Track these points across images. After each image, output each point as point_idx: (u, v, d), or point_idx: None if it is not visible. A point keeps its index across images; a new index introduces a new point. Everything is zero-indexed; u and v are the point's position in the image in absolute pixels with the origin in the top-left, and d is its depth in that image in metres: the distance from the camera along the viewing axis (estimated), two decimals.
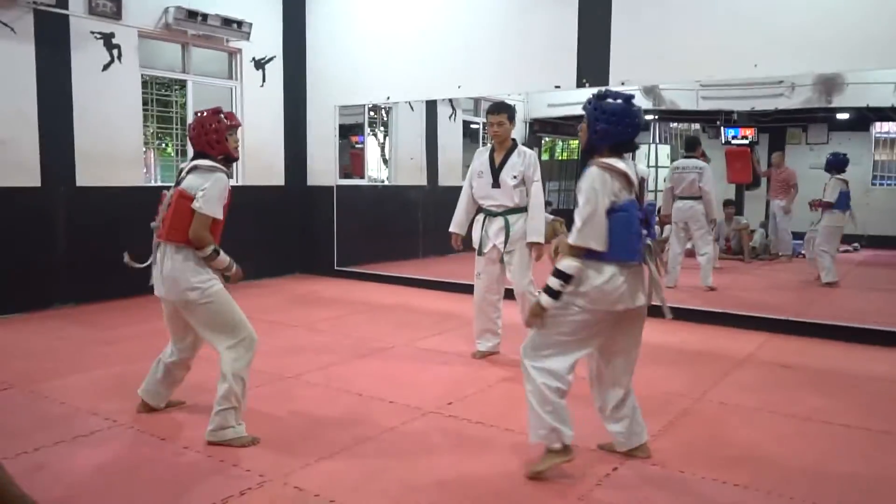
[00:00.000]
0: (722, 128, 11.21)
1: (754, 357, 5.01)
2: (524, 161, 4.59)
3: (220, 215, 3.29)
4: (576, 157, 13.33)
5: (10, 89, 5.94)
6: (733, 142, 11.05)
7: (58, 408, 3.76)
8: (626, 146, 2.90)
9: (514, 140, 4.70)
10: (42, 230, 6.20)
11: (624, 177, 2.78)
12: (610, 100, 2.86)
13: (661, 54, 5.94)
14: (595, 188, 2.74)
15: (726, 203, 10.27)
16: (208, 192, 3.22)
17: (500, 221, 4.64)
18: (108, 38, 6.56)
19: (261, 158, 8.16)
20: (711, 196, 7.30)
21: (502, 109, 4.65)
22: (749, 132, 11.07)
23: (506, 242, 4.64)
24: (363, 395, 4.02)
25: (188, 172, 3.34)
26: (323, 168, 8.50)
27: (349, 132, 9.82)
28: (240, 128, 3.47)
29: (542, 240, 4.54)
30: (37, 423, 3.53)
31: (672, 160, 12.02)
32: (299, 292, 7.48)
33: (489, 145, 4.78)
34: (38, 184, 6.14)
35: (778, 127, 11.26)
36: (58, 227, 6.28)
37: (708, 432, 3.51)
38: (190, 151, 3.65)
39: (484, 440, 3.40)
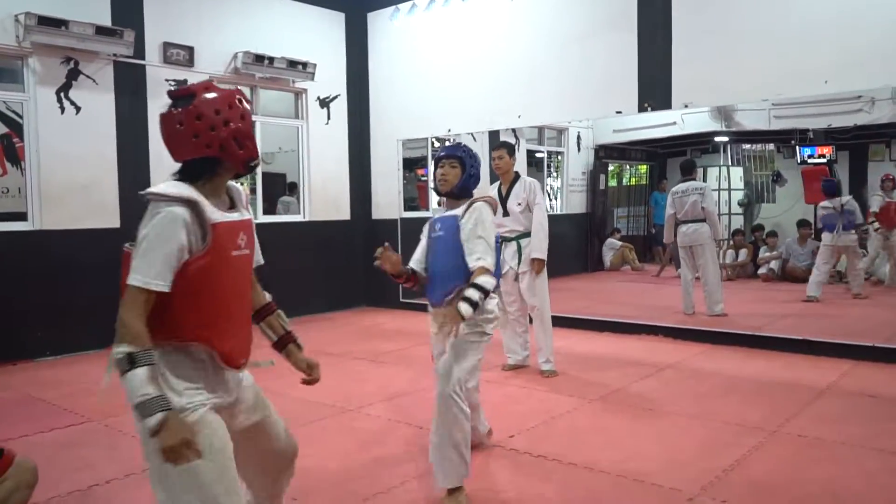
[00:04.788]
0: (797, 147, 10.80)
1: (837, 386, 4.73)
2: (525, 188, 5.04)
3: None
4: (644, 182, 13.10)
5: (93, 136, 6.29)
6: (810, 161, 10.62)
7: (130, 441, 3.87)
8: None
9: (516, 172, 5.15)
10: (120, 269, 6.46)
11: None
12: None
13: (725, 74, 5.79)
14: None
15: (801, 224, 9.87)
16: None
17: (513, 245, 5.05)
18: (181, 85, 6.88)
19: (327, 193, 8.35)
20: (715, 216, 7.16)
21: (500, 146, 5.19)
22: (826, 150, 10.62)
23: (519, 264, 5.05)
24: (424, 428, 3.99)
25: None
26: (387, 201, 8.61)
27: (415, 165, 9.94)
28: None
29: (542, 256, 4.96)
30: (110, 455, 3.66)
31: (745, 182, 11.70)
32: (364, 325, 7.55)
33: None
34: (118, 225, 6.45)
35: (859, 144, 10.75)
36: None
37: (784, 467, 3.31)
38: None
39: (545, 475, 3.31)
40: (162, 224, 1.82)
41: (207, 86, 1.97)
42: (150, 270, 1.80)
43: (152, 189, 1.88)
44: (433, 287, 3.14)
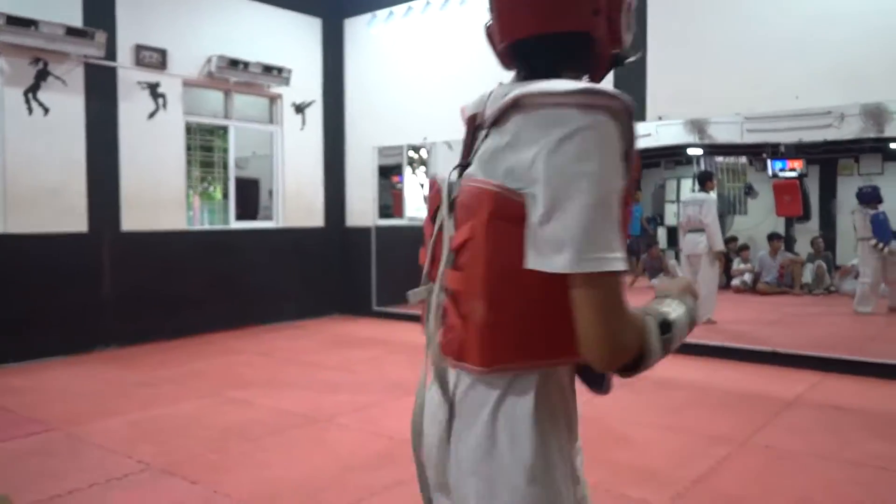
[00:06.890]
0: (768, 160, 10.98)
1: (804, 398, 4.78)
2: None
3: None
4: None
5: (61, 139, 6.17)
6: (781, 174, 10.79)
7: (94, 450, 3.80)
8: None
9: None
10: (87, 275, 6.36)
11: None
12: None
13: (699, 88, 5.86)
14: None
15: (772, 237, 10.04)
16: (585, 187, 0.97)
17: None
18: (153, 88, 6.79)
19: (301, 200, 8.29)
20: (712, 228, 7.21)
21: None
22: (797, 164, 10.82)
23: None
24: (395, 438, 3.96)
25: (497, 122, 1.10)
26: (362, 208, 8.58)
27: (390, 172, 9.92)
28: None
29: None
30: (73, 465, 3.57)
31: (718, 195, 11.84)
32: (337, 333, 7.50)
33: None
34: (86, 229, 6.33)
35: (828, 158, 10.96)
36: (103, 271, 6.45)
37: (753, 479, 3.34)
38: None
39: None
40: (605, 151, 0.97)
41: None
42: (615, 239, 0.97)
43: (572, 86, 0.99)
44: None
